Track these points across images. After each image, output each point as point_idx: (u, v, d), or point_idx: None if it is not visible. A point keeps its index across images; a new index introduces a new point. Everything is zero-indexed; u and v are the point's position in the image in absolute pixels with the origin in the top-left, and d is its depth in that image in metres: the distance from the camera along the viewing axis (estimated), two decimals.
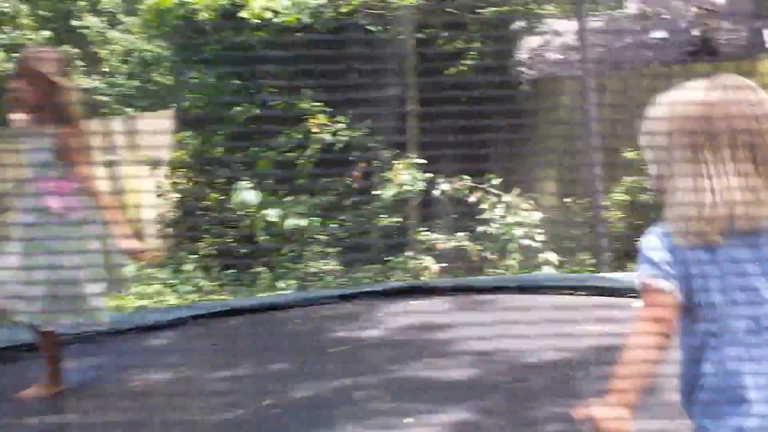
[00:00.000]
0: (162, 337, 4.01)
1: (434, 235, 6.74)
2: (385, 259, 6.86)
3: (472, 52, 7.22)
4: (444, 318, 4.06)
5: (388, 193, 6.62)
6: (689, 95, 1.40)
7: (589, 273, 5.67)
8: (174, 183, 7.90)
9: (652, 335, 1.38)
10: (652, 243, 1.42)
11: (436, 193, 6.50)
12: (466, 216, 6.50)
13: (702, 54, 7.56)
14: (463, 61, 7.17)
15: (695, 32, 7.38)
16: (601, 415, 1.38)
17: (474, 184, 6.46)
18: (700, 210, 1.35)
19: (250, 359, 3.22)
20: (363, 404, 2.81)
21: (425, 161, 6.62)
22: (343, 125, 6.75)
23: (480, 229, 6.45)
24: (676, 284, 1.40)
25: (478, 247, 6.41)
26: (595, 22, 7.57)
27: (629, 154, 5.70)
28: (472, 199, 6.43)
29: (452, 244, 6.54)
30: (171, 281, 7.27)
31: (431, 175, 6.61)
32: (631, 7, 7.67)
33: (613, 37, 7.16)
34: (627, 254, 5.65)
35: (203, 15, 7.04)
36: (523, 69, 7.57)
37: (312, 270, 6.85)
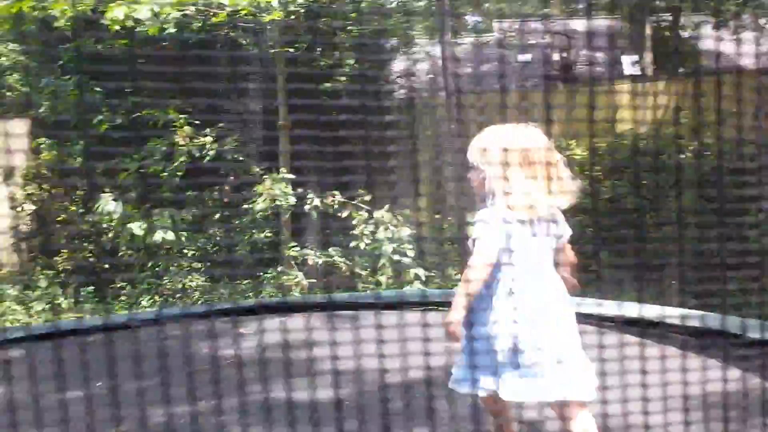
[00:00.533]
0: (5, 354, 3.72)
1: (305, 251, 6.68)
2: (255, 274, 6.74)
3: (346, 67, 7.25)
4: (313, 335, 3.99)
5: (258, 207, 6.51)
6: (508, 131, 2.21)
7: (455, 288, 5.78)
8: (29, 194, 7.45)
9: (479, 273, 2.18)
10: (483, 216, 2.18)
11: (307, 208, 6.45)
12: (337, 231, 6.49)
13: (562, 78, 7.94)
14: (335, 78, 7.19)
15: (556, 57, 7.75)
16: (450, 320, 2.14)
17: (345, 200, 6.46)
18: (516, 200, 2.14)
19: (104, 379, 3.02)
20: (228, 427, 2.70)
21: (296, 176, 6.56)
22: (211, 138, 6.58)
23: (351, 244, 6.46)
24: (494, 247, 2.17)
25: (349, 263, 6.40)
26: (462, 45, 7.79)
27: None
28: (343, 214, 6.42)
29: (323, 259, 6.51)
30: (23, 298, 6.83)
31: (302, 190, 6.56)
32: (497, 32, 7.96)
33: (480, 59, 7.39)
34: None
35: (61, 21, 6.68)
36: (395, 87, 7.68)
37: (178, 286, 6.62)
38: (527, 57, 8.14)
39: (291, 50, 6.81)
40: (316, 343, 3.48)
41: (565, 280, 2.25)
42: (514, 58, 7.98)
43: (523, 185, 2.14)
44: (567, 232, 2.26)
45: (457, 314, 2.15)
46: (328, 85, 7.00)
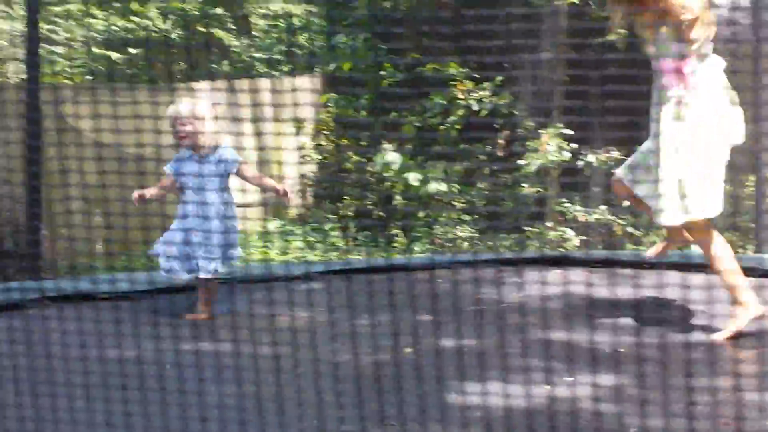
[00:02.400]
0: (305, 286, 4.15)
1: (575, 207, 6.59)
2: (523, 228, 6.79)
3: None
4: (585, 289, 3.96)
5: (532, 163, 6.51)
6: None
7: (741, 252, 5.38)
8: (317, 144, 8.12)
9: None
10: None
11: (580, 164, 6.34)
12: (609, 189, 6.30)
13: None
14: (614, 31, 6.90)
15: None
16: None
17: (622, 157, 6.24)
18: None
19: (388, 312, 3.27)
20: (510, 360, 2.81)
21: (572, 131, 6.46)
22: (488, 92, 6.68)
23: (625, 203, 6.24)
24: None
25: (622, 222, 6.21)
26: None
27: None
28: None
29: (595, 217, 6.37)
30: (311, 239, 7.51)
31: (576, 145, 6.45)
32: None
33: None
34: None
35: None
36: None
37: (449, 235, 6.87)
38: None
39: (575, 2, 6.66)
40: (595, 297, 3.45)
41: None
42: None
43: None
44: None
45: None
46: (607, 38, 6.75)
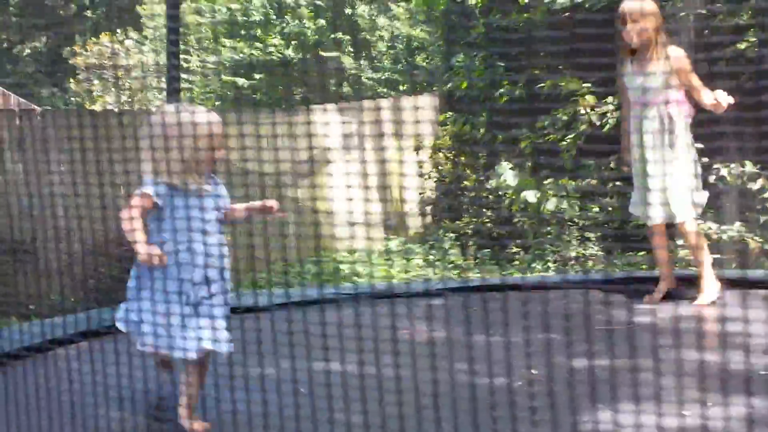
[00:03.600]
0: (424, 303, 4.17)
1: (707, 224, 6.30)
2: (647, 248, 6.55)
3: (755, 28, 6.62)
4: (719, 311, 3.79)
5: None
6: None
7: None
8: (436, 162, 8.16)
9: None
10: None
11: (712, 178, 6.07)
12: (747, 205, 6.01)
13: None
14: (746, 38, 6.61)
15: None
16: None
17: (757, 171, 5.94)
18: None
19: (513, 330, 3.24)
20: (644, 385, 2.71)
21: (701, 144, 6.19)
22: (612, 107, 6.52)
23: (763, 219, 5.93)
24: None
25: (759, 239, 5.89)
26: None
27: None
28: (754, 186, 5.92)
29: (728, 234, 6.08)
30: (430, 257, 7.54)
31: (707, 159, 6.17)
32: None
33: None
34: None
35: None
36: None
37: (571, 254, 6.73)
38: None
39: (703, 12, 6.42)
40: (728, 319, 3.30)
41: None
42: None
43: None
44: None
45: None
46: (743, 46, 6.47)
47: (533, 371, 3.05)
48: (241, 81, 11.33)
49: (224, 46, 11.57)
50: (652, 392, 2.65)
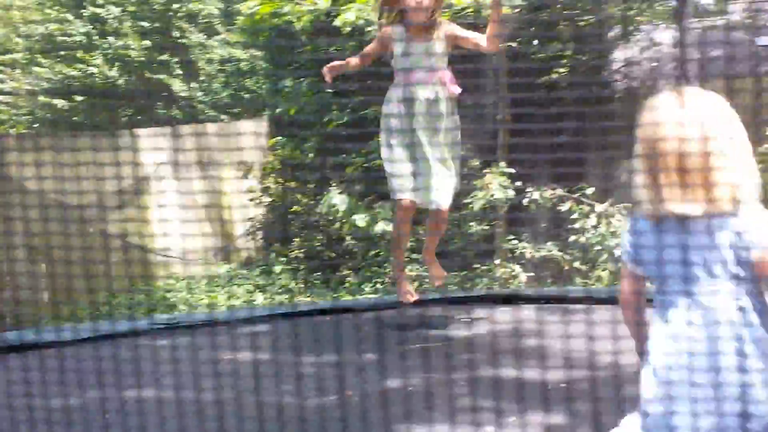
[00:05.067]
0: (250, 329, 4.10)
1: (523, 244, 6.65)
2: (472, 266, 6.82)
3: (565, 60, 7.12)
4: (532, 326, 3.99)
5: (477, 202, 6.57)
6: (647, 115, 1.78)
7: None
8: (265, 187, 8.09)
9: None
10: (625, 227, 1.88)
11: (525, 201, 6.42)
12: (556, 225, 6.39)
13: None
14: (556, 69, 7.08)
15: None
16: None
17: (566, 194, 6.35)
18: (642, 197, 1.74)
19: (334, 353, 3.25)
20: (453, 400, 2.79)
21: (515, 170, 6.55)
22: None
23: (571, 238, 6.34)
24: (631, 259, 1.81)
25: (568, 257, 6.29)
26: (694, 30, 7.33)
27: None
28: (563, 207, 6.32)
29: (542, 253, 6.44)
30: (260, 282, 7.43)
31: (521, 183, 6.54)
32: (735, 14, 7.41)
33: (713, 43, 6.90)
34: None
35: (297, 24, 7.18)
36: (618, 77, 7.41)
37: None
38: (766, 41, 7.51)
39: (513, 45, 6.81)
40: (543, 333, 3.47)
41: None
42: (753, 42, 7.38)
43: (642, 181, 1.72)
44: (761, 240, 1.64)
45: None
46: (548, 77, 6.92)
47: (348, 392, 3.06)
48: (60, 103, 10.74)
49: (42, 67, 10.93)
50: (456, 408, 2.73)
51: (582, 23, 6.89)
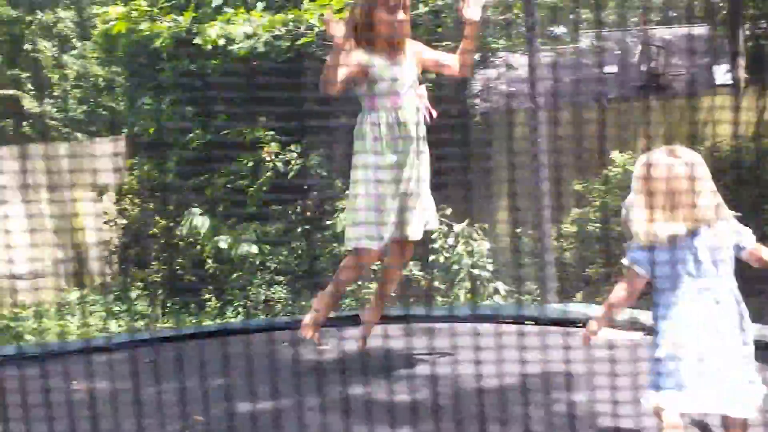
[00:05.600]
0: (104, 357, 3.90)
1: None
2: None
3: (426, 83, 7.27)
4: (395, 344, 4.01)
5: (340, 223, 6.58)
6: (642, 159, 2.31)
7: (536, 303, 5.69)
8: (122, 209, 7.78)
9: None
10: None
11: None
12: (417, 245, 6.48)
13: (651, 89, 7.74)
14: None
15: (644, 68, 7.57)
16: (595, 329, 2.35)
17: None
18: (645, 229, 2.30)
19: (190, 379, 3.13)
20: (314, 423, 2.74)
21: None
22: (296, 154, 6.72)
23: (431, 258, 6.45)
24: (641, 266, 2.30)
25: (428, 277, 6.39)
26: (546, 57, 7.70)
27: (577, 186, 5.77)
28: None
29: (403, 273, 6.51)
30: (115, 309, 7.12)
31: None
32: (584, 43, 7.84)
33: (567, 70, 7.28)
34: (574, 284, 5.70)
35: (157, 42, 6.96)
36: (477, 101, 7.65)
37: (261, 298, 6.76)
38: (613, 68, 7.99)
39: None
40: (392, 353, 3.49)
41: None
42: (600, 69, 7.83)
43: (641, 215, 2.31)
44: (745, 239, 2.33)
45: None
46: None
47: (197, 417, 2.96)
48: None
49: None
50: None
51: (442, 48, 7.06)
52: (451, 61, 3.30)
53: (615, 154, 6.40)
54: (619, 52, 7.71)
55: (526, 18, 5.36)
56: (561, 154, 6.22)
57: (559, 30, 8.54)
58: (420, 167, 3.20)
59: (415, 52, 3.30)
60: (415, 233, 3.25)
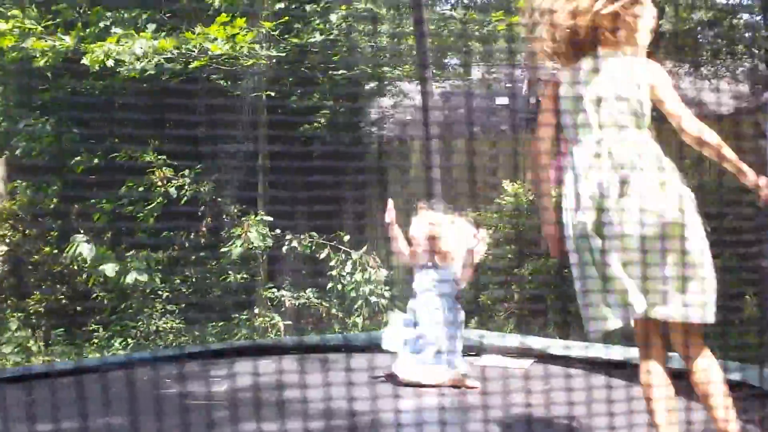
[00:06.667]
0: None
1: (282, 292, 6.63)
2: (231, 316, 6.67)
3: (324, 111, 7.30)
4: (290, 377, 3.95)
5: (235, 249, 6.46)
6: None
7: None
8: (1, 235, 7.35)
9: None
10: None
11: (284, 249, 6.42)
12: (314, 273, 6.46)
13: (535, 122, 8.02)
14: (315, 120, 7.23)
15: (533, 100, 7.86)
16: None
17: (323, 241, 6.44)
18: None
19: (74, 419, 2.98)
20: None
21: (274, 218, 6.55)
22: (189, 179, 6.56)
23: (329, 285, 6.42)
24: None
25: (326, 305, 6.36)
26: (440, 88, 7.89)
27: (471, 215, 5.89)
28: (320, 255, 6.40)
29: (300, 301, 6.46)
30: None
31: (279, 231, 6.54)
32: (476, 75, 8.07)
33: (460, 101, 7.47)
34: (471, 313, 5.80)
35: (41, 60, 6.66)
36: (374, 128, 7.73)
37: (151, 328, 6.52)
38: (504, 100, 8.27)
39: (271, 94, 6.85)
40: (286, 385, 3.44)
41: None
42: (492, 102, 8.09)
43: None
44: None
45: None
46: (306, 127, 7.05)
47: None
48: None
49: None
50: None
51: (338, 77, 7.12)
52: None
53: (506, 183, 6.60)
54: (510, 85, 7.99)
55: (418, 48, 5.49)
56: (454, 184, 6.35)
57: (452, 61, 8.78)
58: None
59: None
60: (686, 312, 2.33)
